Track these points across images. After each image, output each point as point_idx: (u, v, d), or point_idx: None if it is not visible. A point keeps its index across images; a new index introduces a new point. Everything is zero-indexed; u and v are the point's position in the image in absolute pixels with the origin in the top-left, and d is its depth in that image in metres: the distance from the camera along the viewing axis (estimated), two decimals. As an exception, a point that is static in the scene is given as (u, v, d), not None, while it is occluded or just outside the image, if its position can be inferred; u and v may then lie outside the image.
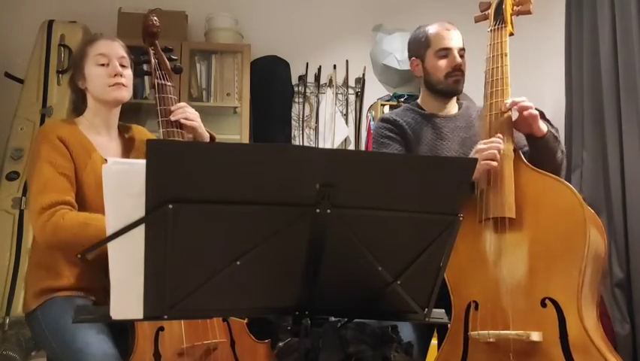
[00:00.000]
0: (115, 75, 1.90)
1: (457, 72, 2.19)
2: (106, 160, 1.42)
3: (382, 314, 1.38)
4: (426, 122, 2.21)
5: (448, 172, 1.22)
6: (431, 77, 2.22)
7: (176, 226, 1.07)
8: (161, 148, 1.07)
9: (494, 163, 1.88)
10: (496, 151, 1.90)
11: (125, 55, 1.96)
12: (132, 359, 1.73)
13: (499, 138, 1.93)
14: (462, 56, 2.21)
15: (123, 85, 1.92)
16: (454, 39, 2.20)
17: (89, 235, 1.64)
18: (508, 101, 1.98)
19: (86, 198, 1.83)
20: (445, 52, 2.19)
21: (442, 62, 2.19)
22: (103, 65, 1.90)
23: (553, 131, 2.03)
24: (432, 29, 2.23)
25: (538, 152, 2.01)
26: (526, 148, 2.06)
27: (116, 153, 1.96)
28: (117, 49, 1.94)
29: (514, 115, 1.99)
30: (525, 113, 1.94)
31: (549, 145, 2.01)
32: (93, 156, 1.87)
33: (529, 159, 1.96)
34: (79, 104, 1.98)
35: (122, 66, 1.93)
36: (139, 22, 2.15)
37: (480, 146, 1.94)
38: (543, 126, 1.98)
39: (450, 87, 2.21)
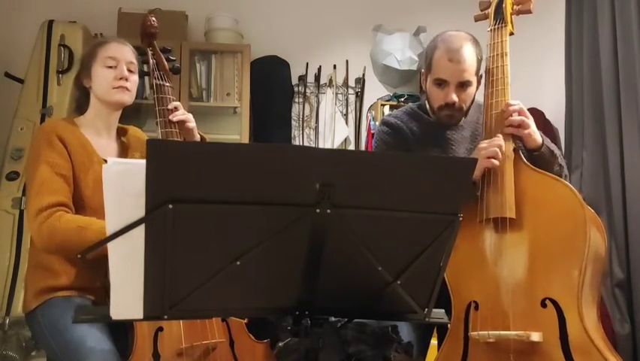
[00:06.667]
0: (121, 78, 1.92)
1: (450, 108, 2.04)
2: (105, 161, 1.42)
3: (382, 314, 1.37)
4: (431, 132, 2.13)
5: (448, 172, 1.22)
6: (428, 100, 2.12)
7: (176, 226, 1.07)
8: (161, 148, 1.06)
9: (496, 161, 1.87)
10: (497, 149, 1.87)
11: (134, 61, 1.98)
12: (131, 360, 1.74)
13: (500, 136, 1.92)
14: (465, 88, 2.02)
15: (127, 89, 1.94)
16: (456, 72, 1.98)
17: (84, 240, 1.67)
18: (510, 103, 1.95)
19: (84, 199, 1.84)
20: (442, 82, 2.02)
21: (437, 92, 2.04)
22: (111, 67, 1.92)
23: (549, 145, 1.99)
24: (438, 52, 2.02)
25: (533, 163, 1.96)
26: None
27: (114, 155, 1.97)
28: (127, 54, 1.96)
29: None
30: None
31: (544, 159, 1.97)
32: (92, 157, 1.88)
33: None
34: (81, 102, 2.00)
35: (130, 71, 1.95)
36: (139, 22, 2.16)
37: (481, 145, 1.93)
38: (537, 138, 1.95)
39: (441, 120, 2.09)
